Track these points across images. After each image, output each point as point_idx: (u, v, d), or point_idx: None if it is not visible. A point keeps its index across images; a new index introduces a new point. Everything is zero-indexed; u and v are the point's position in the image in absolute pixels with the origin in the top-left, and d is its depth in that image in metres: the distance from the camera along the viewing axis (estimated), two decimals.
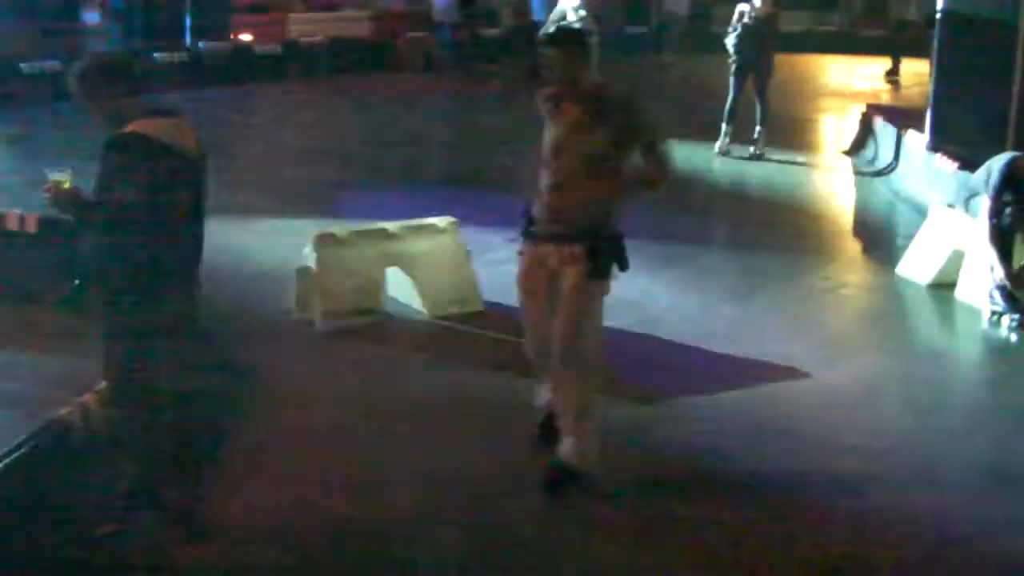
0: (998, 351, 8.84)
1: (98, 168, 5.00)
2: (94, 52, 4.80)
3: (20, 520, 5.18)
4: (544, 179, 6.07)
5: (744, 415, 7.16)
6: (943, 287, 9.64)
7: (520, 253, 6.32)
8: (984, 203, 9.08)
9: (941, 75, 13.07)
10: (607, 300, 6.16)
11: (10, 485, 5.17)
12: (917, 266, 10.00)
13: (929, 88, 13.32)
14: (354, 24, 25.21)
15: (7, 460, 5.11)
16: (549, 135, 6.10)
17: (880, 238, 11.85)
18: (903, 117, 15.22)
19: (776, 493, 6.17)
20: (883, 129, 15.26)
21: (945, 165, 11.88)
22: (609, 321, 6.16)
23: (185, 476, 5.36)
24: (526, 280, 6.28)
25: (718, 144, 15.59)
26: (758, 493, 6.16)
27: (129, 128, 4.99)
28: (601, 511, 5.90)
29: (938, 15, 13.12)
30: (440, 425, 6.77)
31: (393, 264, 8.61)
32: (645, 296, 9.21)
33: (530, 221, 6.19)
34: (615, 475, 6.12)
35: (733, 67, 15.44)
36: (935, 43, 13.30)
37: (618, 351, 7.72)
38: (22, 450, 5.30)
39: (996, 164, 9.13)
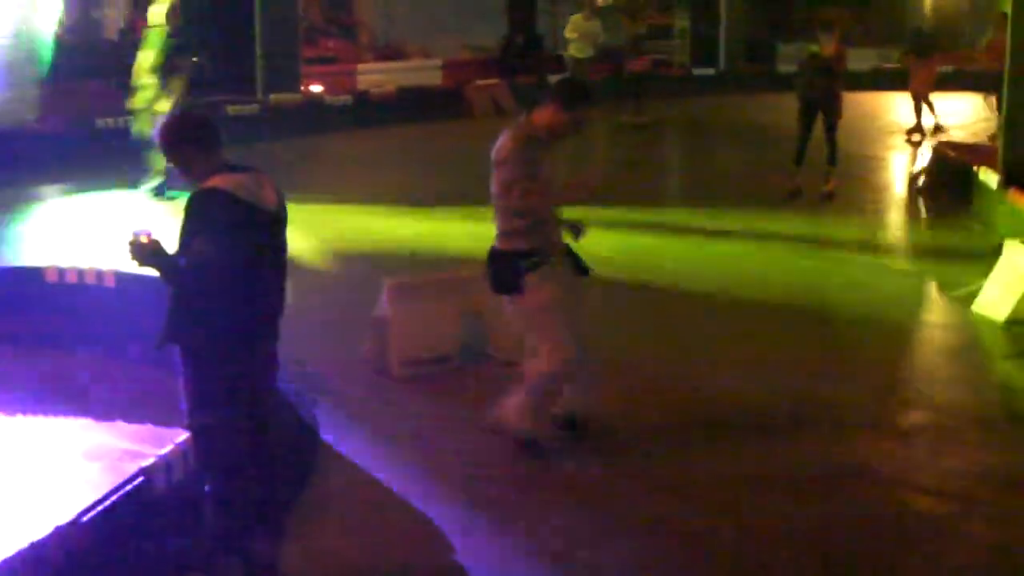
0: None
1: (180, 223, 5.08)
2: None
3: (103, 573, 5.25)
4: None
5: (819, 455, 7.13)
6: (1020, 324, 9.54)
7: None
8: None
9: (1013, 109, 12.97)
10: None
11: (93, 538, 5.24)
12: (992, 303, 9.89)
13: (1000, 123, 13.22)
14: (422, 73, 25.43)
15: (91, 512, 5.18)
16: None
17: (954, 275, 11.72)
18: (975, 153, 15.09)
19: (850, 534, 6.11)
20: (955, 167, 15.13)
21: (1019, 201, 11.77)
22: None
23: (268, 527, 5.41)
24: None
25: (788, 185, 15.48)
26: (830, 533, 6.11)
27: (210, 183, 5.06)
28: None
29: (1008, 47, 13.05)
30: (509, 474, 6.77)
31: (468, 311, 8.63)
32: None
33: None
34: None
35: (801, 107, 15.38)
36: (1005, 74, 13.21)
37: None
38: (106, 503, 5.37)
39: None
